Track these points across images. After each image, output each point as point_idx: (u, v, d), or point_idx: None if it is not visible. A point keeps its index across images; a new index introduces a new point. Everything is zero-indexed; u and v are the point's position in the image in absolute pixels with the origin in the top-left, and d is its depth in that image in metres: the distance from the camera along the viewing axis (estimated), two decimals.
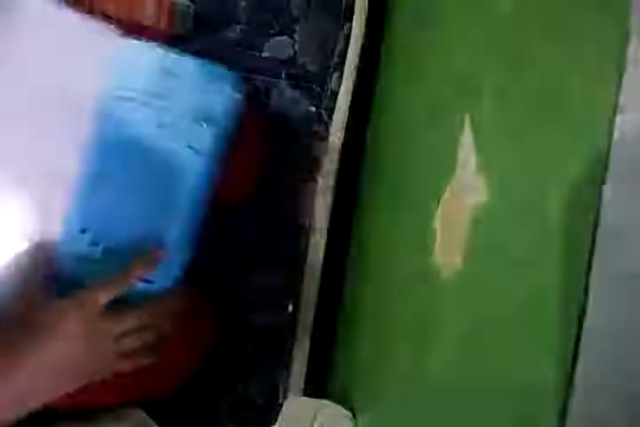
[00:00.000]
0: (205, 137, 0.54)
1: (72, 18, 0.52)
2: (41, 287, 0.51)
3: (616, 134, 0.28)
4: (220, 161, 0.56)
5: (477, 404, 0.39)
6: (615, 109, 0.28)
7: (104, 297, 0.50)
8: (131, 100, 0.53)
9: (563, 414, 0.29)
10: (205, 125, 0.54)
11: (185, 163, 0.54)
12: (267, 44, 0.77)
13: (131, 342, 0.53)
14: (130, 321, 0.52)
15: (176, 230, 0.55)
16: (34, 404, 0.49)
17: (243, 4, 0.76)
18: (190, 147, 0.54)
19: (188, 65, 0.53)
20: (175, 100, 0.53)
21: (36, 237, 0.52)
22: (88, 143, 0.53)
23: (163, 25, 0.70)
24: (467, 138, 0.44)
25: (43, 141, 0.53)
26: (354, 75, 0.77)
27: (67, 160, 0.54)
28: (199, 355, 0.74)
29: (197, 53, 0.55)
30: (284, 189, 0.79)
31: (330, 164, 0.78)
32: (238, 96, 0.55)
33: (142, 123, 0.53)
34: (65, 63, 0.53)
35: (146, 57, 0.53)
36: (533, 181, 0.34)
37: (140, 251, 0.54)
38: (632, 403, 0.27)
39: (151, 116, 0.53)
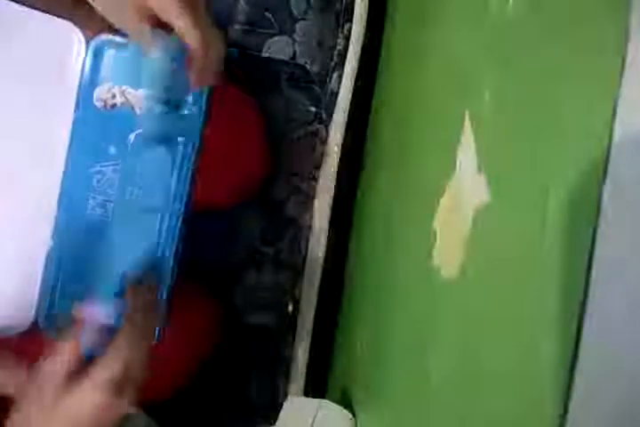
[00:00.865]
0: (193, 123, 0.54)
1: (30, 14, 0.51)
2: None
3: (616, 134, 0.28)
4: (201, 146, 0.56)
5: (477, 404, 0.39)
6: (615, 109, 0.28)
7: (116, 371, 0.46)
8: (127, 96, 0.53)
9: (563, 414, 0.29)
10: (193, 110, 0.54)
11: (177, 153, 0.54)
12: (266, 44, 0.77)
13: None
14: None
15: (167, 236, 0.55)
16: None
17: (242, 3, 0.76)
18: (182, 135, 0.54)
19: (161, 51, 0.53)
20: (163, 90, 0.53)
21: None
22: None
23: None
24: (467, 138, 0.44)
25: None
26: (354, 75, 0.77)
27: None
28: (201, 355, 0.74)
29: None
30: (284, 189, 0.79)
31: (330, 164, 0.78)
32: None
33: (144, 118, 0.53)
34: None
35: (128, 51, 0.53)
36: (533, 181, 0.34)
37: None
38: (633, 403, 0.27)
39: (149, 109, 0.53)
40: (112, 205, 0.54)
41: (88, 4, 0.50)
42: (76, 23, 0.54)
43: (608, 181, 0.28)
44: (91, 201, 0.54)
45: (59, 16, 0.53)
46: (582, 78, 0.31)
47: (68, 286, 0.54)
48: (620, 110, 0.28)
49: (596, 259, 0.28)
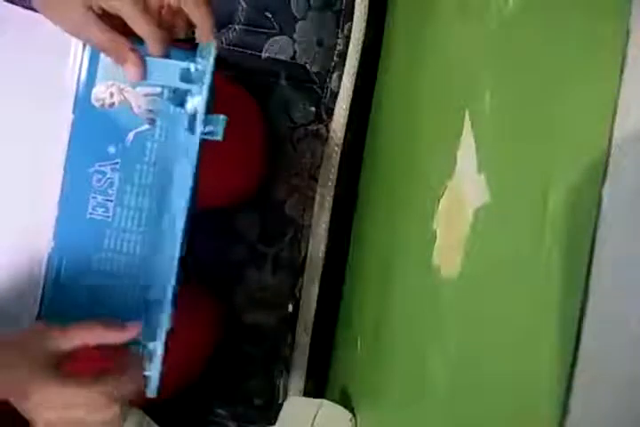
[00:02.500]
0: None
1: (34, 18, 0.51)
2: None
3: (616, 134, 0.28)
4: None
5: (477, 404, 0.39)
6: (615, 109, 0.28)
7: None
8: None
9: (563, 414, 0.29)
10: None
11: (187, 147, 0.53)
12: (266, 45, 0.77)
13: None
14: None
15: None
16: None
17: (243, 3, 0.76)
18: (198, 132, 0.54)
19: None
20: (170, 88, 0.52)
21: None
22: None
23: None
24: (467, 138, 0.44)
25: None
26: (354, 75, 0.77)
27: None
28: (203, 355, 0.74)
29: None
30: (284, 189, 0.79)
31: (330, 164, 0.78)
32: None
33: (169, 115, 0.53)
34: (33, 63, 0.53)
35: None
36: (533, 181, 0.34)
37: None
38: (633, 404, 0.27)
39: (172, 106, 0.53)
40: (112, 204, 0.54)
41: None
42: None
43: (608, 181, 0.28)
44: (91, 201, 0.54)
45: None
46: (582, 78, 0.31)
47: (70, 285, 0.54)
48: (619, 110, 0.28)
49: (595, 258, 0.28)
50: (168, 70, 0.51)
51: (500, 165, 0.39)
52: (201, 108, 0.50)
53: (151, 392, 0.54)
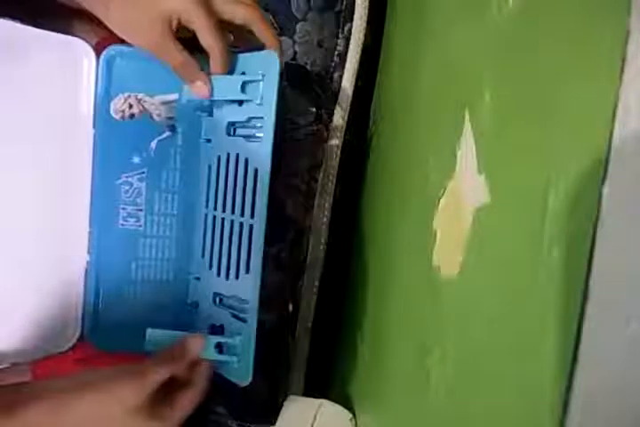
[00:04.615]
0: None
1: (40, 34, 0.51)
2: None
3: (616, 134, 0.28)
4: None
5: (477, 403, 0.39)
6: (615, 109, 0.28)
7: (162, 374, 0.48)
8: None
9: (563, 415, 0.29)
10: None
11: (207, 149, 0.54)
12: None
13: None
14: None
15: None
16: None
17: None
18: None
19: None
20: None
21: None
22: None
23: None
24: (467, 138, 0.44)
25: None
26: (354, 75, 0.77)
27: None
28: None
29: None
30: (284, 189, 0.79)
31: (330, 164, 0.78)
32: None
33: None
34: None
35: (138, 59, 0.53)
36: (533, 181, 0.34)
37: None
38: (633, 404, 0.27)
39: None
40: (143, 213, 0.55)
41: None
42: (82, 32, 0.54)
43: (608, 181, 0.28)
44: (121, 212, 0.55)
45: (64, 29, 0.53)
46: (582, 78, 0.31)
47: (109, 298, 0.55)
48: (619, 110, 0.28)
49: (595, 259, 0.28)
50: (229, 84, 0.52)
51: (500, 165, 0.39)
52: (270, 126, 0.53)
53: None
